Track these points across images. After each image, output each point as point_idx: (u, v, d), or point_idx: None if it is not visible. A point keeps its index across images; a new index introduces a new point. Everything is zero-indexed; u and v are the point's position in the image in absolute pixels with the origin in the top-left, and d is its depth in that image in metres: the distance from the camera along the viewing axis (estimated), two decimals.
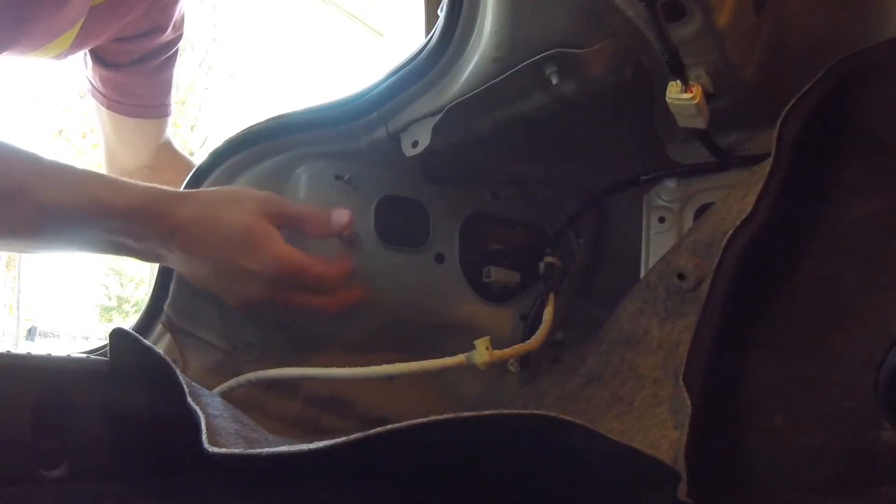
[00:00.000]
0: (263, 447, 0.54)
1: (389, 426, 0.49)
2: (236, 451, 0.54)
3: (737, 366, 0.67)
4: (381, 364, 0.79)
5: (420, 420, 0.49)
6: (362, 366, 0.79)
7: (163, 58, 1.22)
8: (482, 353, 0.78)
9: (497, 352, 0.80)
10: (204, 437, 0.56)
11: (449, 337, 0.93)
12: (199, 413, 0.59)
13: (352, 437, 0.49)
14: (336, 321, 0.87)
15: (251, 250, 0.76)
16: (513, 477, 0.64)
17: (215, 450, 0.54)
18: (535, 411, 0.51)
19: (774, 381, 0.65)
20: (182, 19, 1.22)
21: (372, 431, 0.49)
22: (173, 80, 1.27)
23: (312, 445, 0.50)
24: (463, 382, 0.97)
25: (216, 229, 0.76)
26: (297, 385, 0.87)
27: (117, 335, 0.72)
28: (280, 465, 0.57)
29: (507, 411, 0.50)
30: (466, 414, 0.49)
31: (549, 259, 0.97)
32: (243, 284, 0.78)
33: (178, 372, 0.64)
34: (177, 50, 1.24)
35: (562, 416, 0.49)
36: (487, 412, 0.49)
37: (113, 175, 0.80)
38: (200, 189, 0.82)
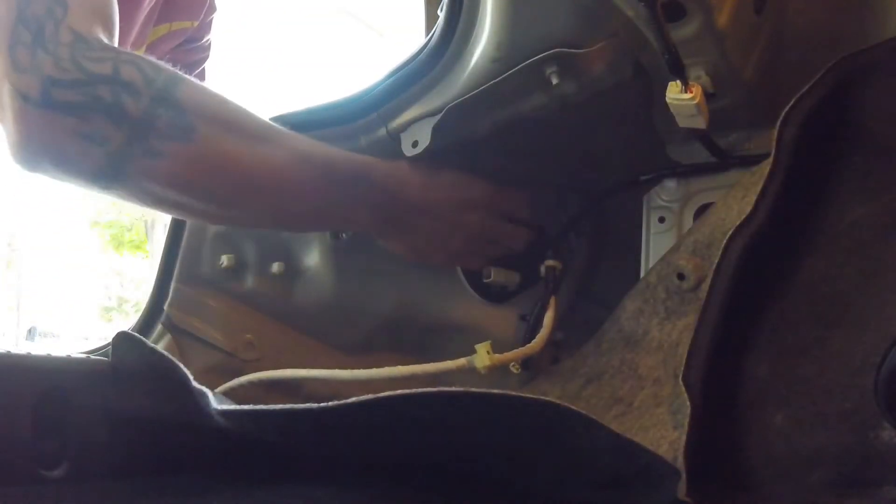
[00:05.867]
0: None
1: (401, 391, 0.49)
2: (245, 407, 0.54)
3: (737, 366, 0.67)
4: (381, 364, 0.79)
5: (431, 389, 0.49)
6: (363, 366, 0.79)
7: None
8: (483, 357, 0.78)
9: (498, 356, 0.80)
10: (212, 400, 0.56)
11: (449, 337, 0.93)
12: (206, 389, 0.59)
13: (362, 398, 0.50)
14: (337, 320, 0.87)
15: (468, 186, 0.89)
16: (513, 474, 0.64)
17: (224, 407, 0.54)
18: (540, 397, 0.51)
19: (774, 381, 0.65)
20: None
21: (381, 395, 0.49)
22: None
23: (322, 405, 0.50)
24: (463, 383, 0.96)
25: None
26: (298, 386, 0.87)
27: (121, 339, 0.71)
28: (287, 427, 0.57)
29: (513, 392, 0.50)
30: (475, 390, 0.49)
31: (549, 262, 0.97)
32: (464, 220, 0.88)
33: (188, 375, 0.64)
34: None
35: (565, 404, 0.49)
36: (496, 391, 0.49)
37: None
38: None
